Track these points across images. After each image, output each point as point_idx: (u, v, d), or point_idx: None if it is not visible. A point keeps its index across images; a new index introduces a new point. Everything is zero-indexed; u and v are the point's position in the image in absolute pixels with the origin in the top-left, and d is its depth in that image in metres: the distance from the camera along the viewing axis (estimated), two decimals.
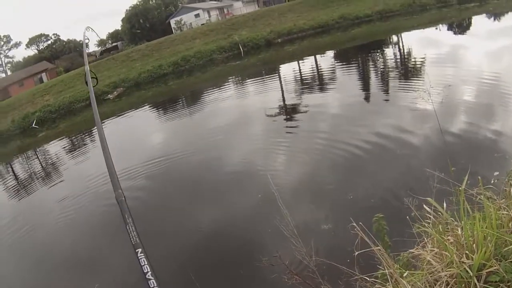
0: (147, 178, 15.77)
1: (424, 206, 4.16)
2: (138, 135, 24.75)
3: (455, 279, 3.31)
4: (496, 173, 5.19)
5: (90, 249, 11.53)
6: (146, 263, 1.16)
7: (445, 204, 4.04)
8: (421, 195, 4.37)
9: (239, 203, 11.82)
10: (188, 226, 11.43)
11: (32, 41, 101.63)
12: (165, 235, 11.16)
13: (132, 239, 1.25)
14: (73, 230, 13.21)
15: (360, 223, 3.94)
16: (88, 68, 2.69)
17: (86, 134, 29.37)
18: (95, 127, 27.00)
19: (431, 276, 3.57)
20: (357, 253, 3.94)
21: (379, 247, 3.62)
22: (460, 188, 3.85)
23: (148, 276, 1.13)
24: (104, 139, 1.77)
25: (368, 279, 4.18)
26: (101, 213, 13.65)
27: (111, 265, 10.36)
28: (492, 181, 4.97)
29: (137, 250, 1.20)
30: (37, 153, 29.08)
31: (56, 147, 27.65)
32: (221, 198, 12.47)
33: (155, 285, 1.12)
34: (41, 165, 25.32)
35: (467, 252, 3.37)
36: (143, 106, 34.04)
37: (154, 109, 32.89)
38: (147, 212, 12.94)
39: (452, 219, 3.94)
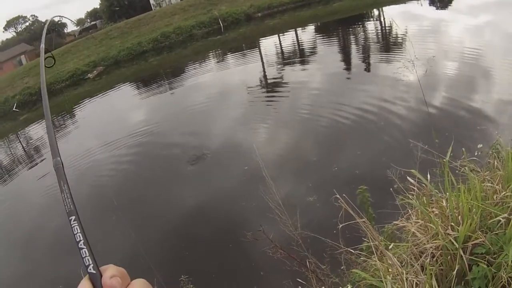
0: (130, 153, 15.73)
1: (408, 177, 4.14)
2: (121, 112, 24.51)
3: (440, 251, 3.31)
4: (479, 146, 5.18)
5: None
6: (79, 231, 1.11)
7: (429, 176, 4.01)
8: (405, 167, 4.35)
9: (224, 176, 11.80)
10: (174, 201, 11.42)
11: (10, 24, 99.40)
12: (152, 209, 11.16)
13: (66, 207, 1.19)
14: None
15: (344, 195, 3.90)
16: (43, 46, 2.57)
17: (66, 114, 28.94)
18: (75, 107, 26.85)
19: (416, 248, 3.57)
20: (341, 225, 3.92)
21: (364, 219, 3.60)
22: (444, 160, 3.84)
23: (81, 245, 1.09)
24: (47, 105, 1.73)
25: (353, 251, 4.18)
26: (90, 185, 13.59)
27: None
28: (475, 153, 4.96)
29: (70, 218, 1.15)
30: (18, 136, 28.80)
31: (37, 129, 27.27)
32: (206, 171, 12.45)
33: (87, 254, 1.07)
34: (23, 146, 25.09)
35: (452, 224, 3.37)
36: (125, 84, 33.61)
37: (136, 86, 32.52)
38: (131, 187, 12.91)
39: (436, 191, 3.93)
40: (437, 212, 3.66)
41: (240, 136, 14.33)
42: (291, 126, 14.22)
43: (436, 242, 3.34)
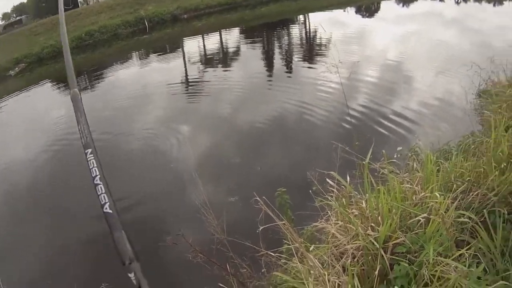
0: (42, 154, 14.98)
1: (327, 179, 4.12)
2: (41, 110, 23.36)
3: (361, 252, 3.30)
4: (399, 148, 5.28)
5: None
6: (95, 165, 1.07)
7: (348, 178, 4.01)
8: (326, 169, 4.32)
9: (144, 179, 11.45)
10: (90, 200, 10.90)
11: None
12: (66, 209, 10.63)
13: (82, 139, 1.17)
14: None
15: (264, 197, 3.81)
16: None
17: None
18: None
19: (336, 249, 3.54)
20: (261, 228, 3.83)
21: (284, 222, 3.53)
22: (364, 162, 3.86)
23: (97, 180, 1.05)
24: (65, 36, 1.62)
25: (273, 254, 4.10)
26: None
27: None
28: (395, 156, 5.04)
29: (86, 151, 1.12)
30: None
31: None
32: (124, 173, 12.04)
33: (103, 191, 1.04)
34: None
35: (372, 224, 3.39)
36: (47, 81, 32.38)
37: (58, 84, 31.41)
38: (41, 187, 12.32)
39: (356, 192, 3.94)
40: (356, 213, 3.66)
41: (162, 133, 13.99)
42: (211, 126, 14.08)
43: (356, 243, 3.33)
